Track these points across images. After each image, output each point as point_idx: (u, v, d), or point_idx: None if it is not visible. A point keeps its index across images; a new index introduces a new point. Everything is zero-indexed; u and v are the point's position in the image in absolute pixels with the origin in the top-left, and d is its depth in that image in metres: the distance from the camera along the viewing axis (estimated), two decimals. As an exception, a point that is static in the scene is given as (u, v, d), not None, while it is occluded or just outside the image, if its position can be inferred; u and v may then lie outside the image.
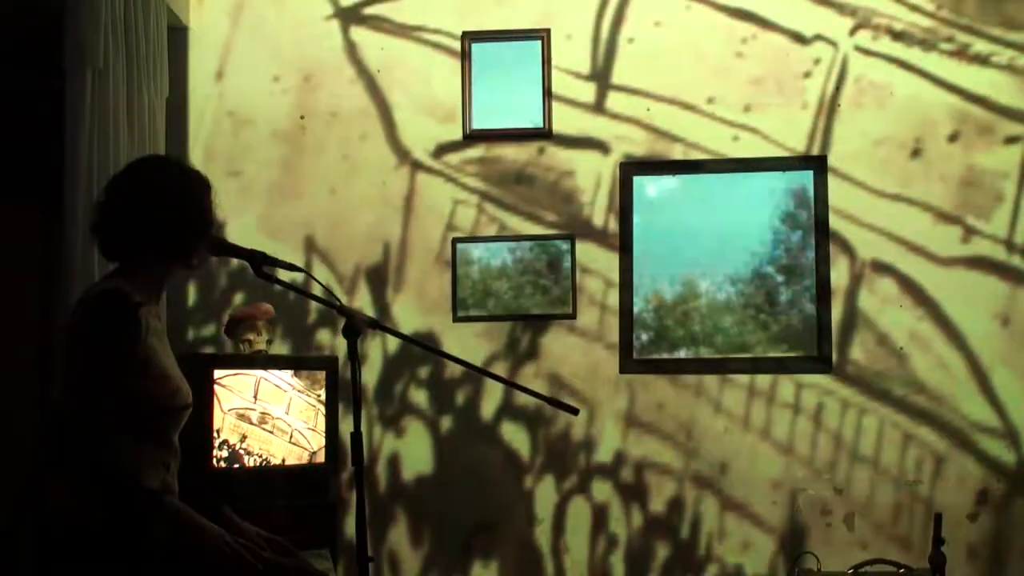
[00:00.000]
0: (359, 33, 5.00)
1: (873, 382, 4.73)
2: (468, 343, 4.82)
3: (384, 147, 4.96)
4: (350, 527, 4.61)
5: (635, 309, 4.81)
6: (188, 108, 4.94)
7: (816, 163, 4.81)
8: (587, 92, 4.93)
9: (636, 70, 4.92)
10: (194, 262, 2.98)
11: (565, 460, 4.81)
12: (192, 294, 4.91)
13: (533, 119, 4.92)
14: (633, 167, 4.86)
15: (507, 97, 4.93)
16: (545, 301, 4.81)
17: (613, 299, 4.84)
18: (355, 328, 2.88)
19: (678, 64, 4.91)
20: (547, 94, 4.91)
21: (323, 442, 4.41)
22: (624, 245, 4.85)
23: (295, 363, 4.52)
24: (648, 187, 4.87)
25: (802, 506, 4.71)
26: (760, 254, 4.81)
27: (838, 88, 4.84)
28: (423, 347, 3.32)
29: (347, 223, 4.93)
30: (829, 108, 4.84)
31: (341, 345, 4.62)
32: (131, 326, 2.77)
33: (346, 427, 4.24)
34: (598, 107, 4.92)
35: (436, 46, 4.98)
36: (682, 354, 4.80)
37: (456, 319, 4.85)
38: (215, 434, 4.09)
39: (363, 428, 2.87)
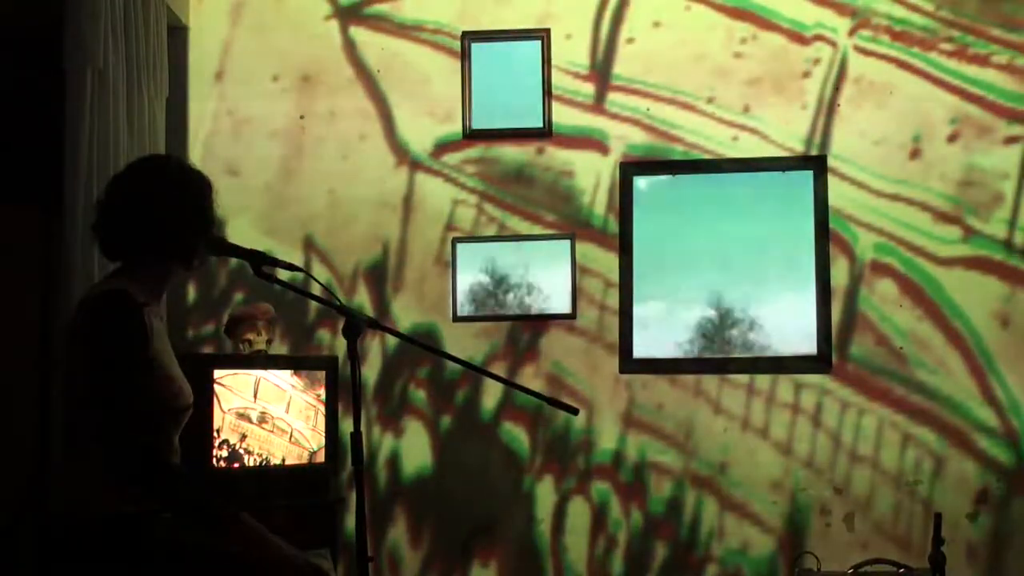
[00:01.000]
0: (358, 32, 5.00)
1: (872, 382, 4.73)
2: (467, 342, 4.83)
3: (383, 147, 4.96)
4: (350, 526, 4.60)
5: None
6: (188, 108, 4.94)
7: (816, 163, 4.81)
8: (587, 92, 4.93)
9: (635, 70, 4.92)
10: (194, 262, 2.99)
11: (565, 460, 4.81)
12: (192, 292, 4.91)
13: (533, 119, 4.91)
14: (633, 167, 4.86)
15: (507, 97, 4.92)
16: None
17: (613, 299, 4.84)
18: (355, 328, 2.88)
19: (677, 64, 4.91)
20: (547, 94, 4.91)
21: (323, 441, 4.41)
22: (624, 245, 4.85)
23: (295, 363, 4.51)
24: (646, 185, 4.88)
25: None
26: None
27: (837, 88, 4.84)
28: (423, 347, 3.31)
29: (346, 223, 4.93)
30: (828, 108, 4.85)
31: (341, 344, 4.59)
32: (138, 327, 2.78)
33: (346, 426, 4.25)
34: (598, 107, 4.93)
35: (436, 46, 4.98)
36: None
37: (456, 319, 4.86)
38: (215, 434, 4.10)
39: (362, 427, 2.87)
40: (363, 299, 4.89)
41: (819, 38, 4.87)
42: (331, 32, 5.01)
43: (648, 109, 4.89)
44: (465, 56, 4.94)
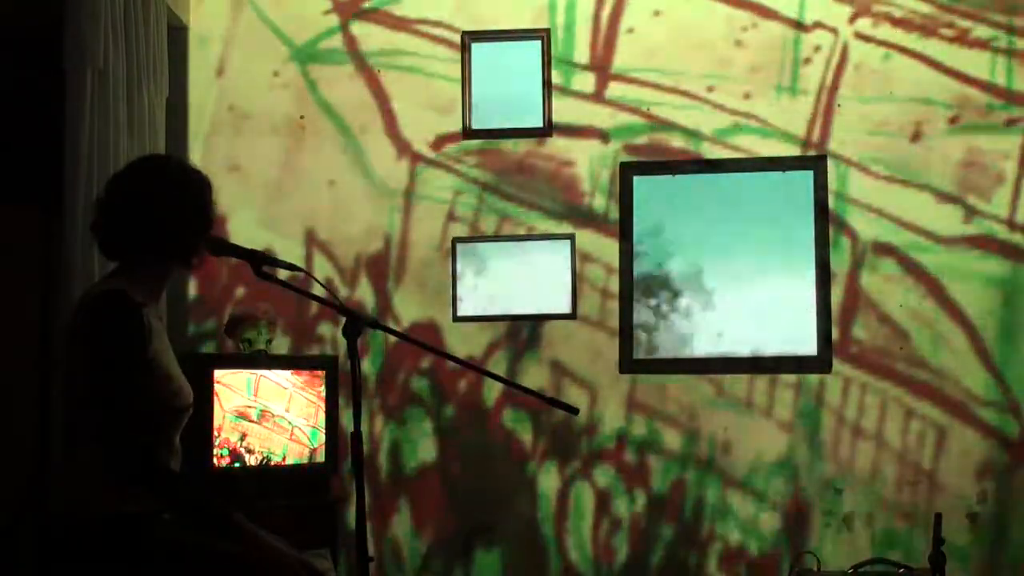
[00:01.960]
0: (358, 27, 5.00)
1: (875, 363, 4.74)
2: (469, 333, 4.84)
3: (384, 140, 4.96)
4: (351, 522, 4.62)
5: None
6: (188, 107, 4.94)
7: (816, 150, 4.81)
8: (587, 82, 4.93)
9: (635, 60, 4.92)
10: (194, 262, 3.00)
11: (567, 445, 4.82)
12: (192, 290, 4.92)
13: (533, 118, 4.91)
14: (632, 161, 4.87)
15: (506, 89, 4.92)
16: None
17: (614, 287, 4.85)
18: (355, 328, 2.89)
19: (677, 53, 4.90)
20: (546, 84, 4.91)
21: (323, 439, 4.43)
22: (624, 234, 4.86)
23: (295, 363, 4.53)
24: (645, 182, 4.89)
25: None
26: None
27: (838, 75, 4.84)
28: (422, 347, 3.31)
29: (348, 216, 4.94)
30: (829, 95, 4.84)
31: (342, 340, 4.62)
32: (137, 327, 2.79)
33: (346, 424, 4.27)
34: (598, 97, 4.92)
35: (435, 39, 4.97)
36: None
37: (456, 319, 4.87)
38: (215, 433, 4.11)
39: (364, 417, 2.88)
40: (365, 291, 4.90)
41: (819, 25, 4.85)
42: (331, 26, 5.01)
43: (648, 109, 4.89)
44: (465, 56, 4.93)
